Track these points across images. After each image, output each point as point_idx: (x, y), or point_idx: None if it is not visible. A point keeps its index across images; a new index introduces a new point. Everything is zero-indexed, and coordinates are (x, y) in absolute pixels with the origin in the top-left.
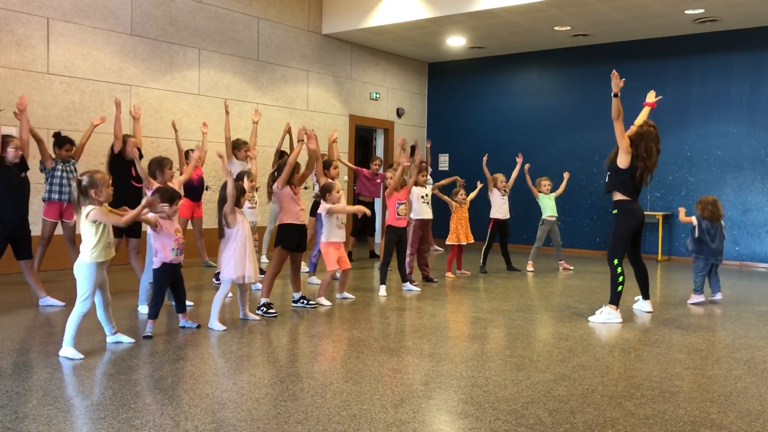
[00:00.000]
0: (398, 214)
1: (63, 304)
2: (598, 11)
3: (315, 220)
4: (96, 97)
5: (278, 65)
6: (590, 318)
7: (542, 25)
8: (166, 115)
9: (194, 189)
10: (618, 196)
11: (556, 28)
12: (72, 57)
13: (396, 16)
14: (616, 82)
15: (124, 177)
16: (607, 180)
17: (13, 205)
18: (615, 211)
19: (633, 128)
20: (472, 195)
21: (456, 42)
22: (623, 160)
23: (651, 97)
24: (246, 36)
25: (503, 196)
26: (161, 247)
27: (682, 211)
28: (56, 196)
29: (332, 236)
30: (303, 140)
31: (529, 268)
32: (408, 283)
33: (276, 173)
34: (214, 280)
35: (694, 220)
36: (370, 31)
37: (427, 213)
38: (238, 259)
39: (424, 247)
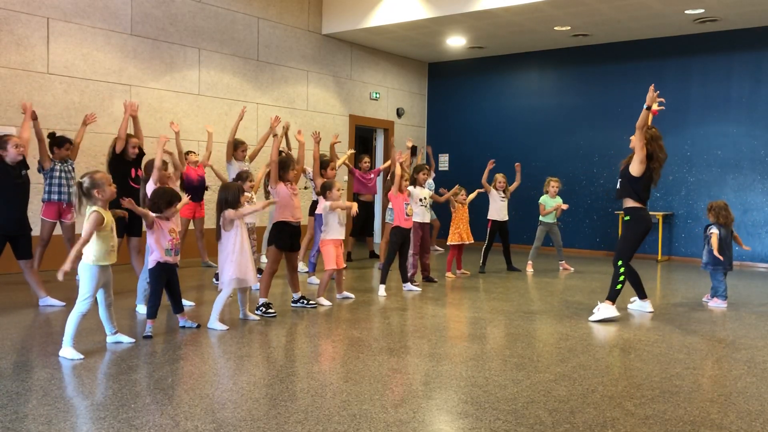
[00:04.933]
0: (406, 215)
1: (63, 304)
2: (598, 11)
3: (314, 220)
4: (96, 97)
5: (278, 65)
6: (590, 318)
7: (542, 25)
8: (166, 115)
9: (195, 189)
10: (630, 203)
11: (556, 28)
12: (72, 57)
13: (396, 16)
14: (651, 96)
15: (123, 177)
16: (618, 187)
17: (13, 204)
18: (627, 218)
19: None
20: (472, 196)
21: (456, 42)
22: (637, 169)
23: (655, 105)
24: (246, 36)
25: (503, 199)
26: (156, 246)
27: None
28: (55, 197)
29: (332, 233)
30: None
31: (529, 268)
32: (409, 283)
33: (270, 172)
34: (214, 280)
35: (715, 231)
36: (370, 31)
37: (424, 216)
38: (235, 263)
39: (424, 250)
